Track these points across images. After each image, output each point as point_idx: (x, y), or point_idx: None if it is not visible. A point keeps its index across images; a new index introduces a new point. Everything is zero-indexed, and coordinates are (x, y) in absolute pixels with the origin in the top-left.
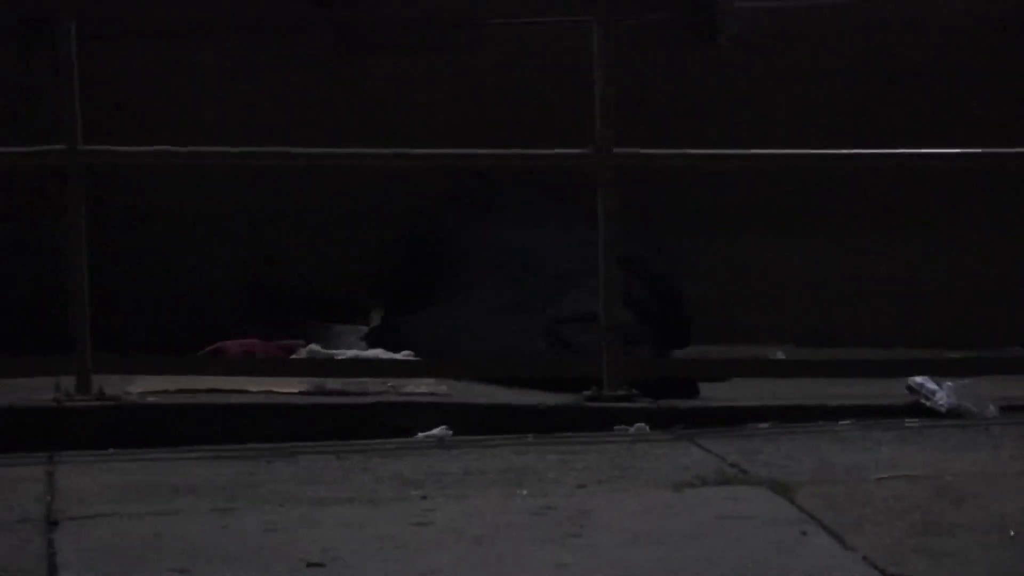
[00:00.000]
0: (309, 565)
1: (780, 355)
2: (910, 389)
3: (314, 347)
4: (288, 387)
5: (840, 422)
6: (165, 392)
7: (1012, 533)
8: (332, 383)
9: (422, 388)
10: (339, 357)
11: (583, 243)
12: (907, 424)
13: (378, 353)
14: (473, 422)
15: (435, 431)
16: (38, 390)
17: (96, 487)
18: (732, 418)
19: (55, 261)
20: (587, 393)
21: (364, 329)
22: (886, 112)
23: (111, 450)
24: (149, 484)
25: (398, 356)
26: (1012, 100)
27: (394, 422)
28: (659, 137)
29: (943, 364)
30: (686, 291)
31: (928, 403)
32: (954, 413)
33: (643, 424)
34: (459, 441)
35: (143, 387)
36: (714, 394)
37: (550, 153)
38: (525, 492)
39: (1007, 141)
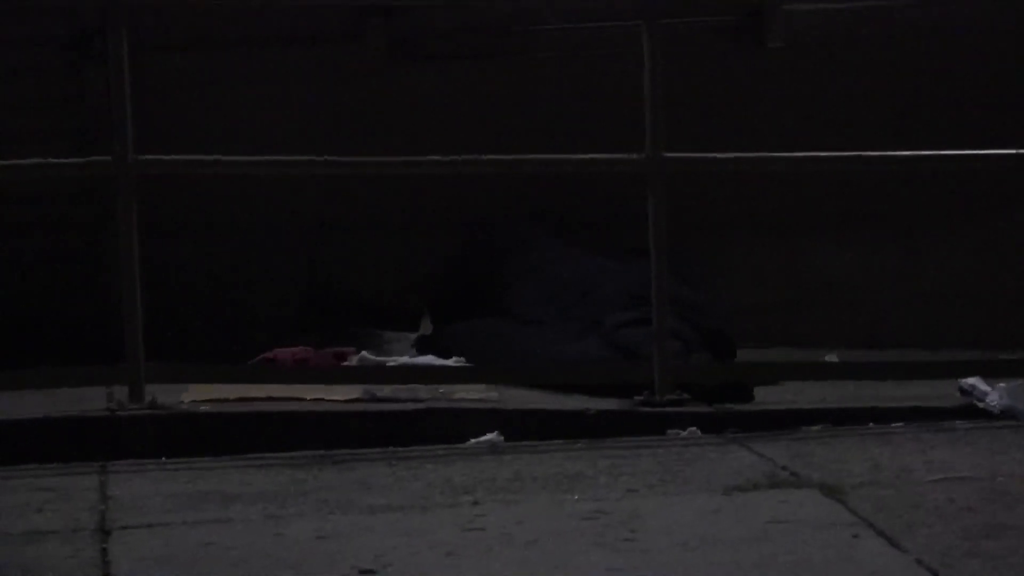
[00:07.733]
0: (361, 572)
1: (832, 358)
2: (962, 391)
3: (365, 354)
4: (340, 395)
5: (892, 424)
6: (217, 401)
7: None
8: (384, 390)
9: (473, 394)
10: (390, 364)
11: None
12: (959, 426)
13: (429, 359)
14: (524, 427)
15: (486, 437)
16: (91, 400)
17: (149, 496)
18: (783, 421)
19: (108, 271)
20: (639, 398)
21: (414, 336)
22: (938, 114)
23: (163, 459)
24: (201, 493)
25: (449, 362)
26: None
27: (445, 428)
28: (710, 141)
29: (996, 365)
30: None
31: (981, 405)
32: (1007, 414)
33: (695, 428)
34: (510, 447)
35: (195, 396)
36: (766, 397)
37: (601, 158)
38: (576, 497)
39: None
